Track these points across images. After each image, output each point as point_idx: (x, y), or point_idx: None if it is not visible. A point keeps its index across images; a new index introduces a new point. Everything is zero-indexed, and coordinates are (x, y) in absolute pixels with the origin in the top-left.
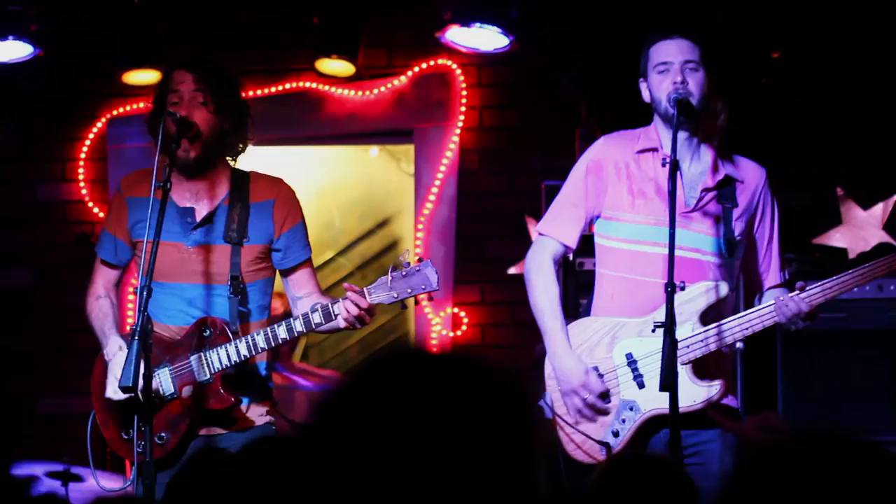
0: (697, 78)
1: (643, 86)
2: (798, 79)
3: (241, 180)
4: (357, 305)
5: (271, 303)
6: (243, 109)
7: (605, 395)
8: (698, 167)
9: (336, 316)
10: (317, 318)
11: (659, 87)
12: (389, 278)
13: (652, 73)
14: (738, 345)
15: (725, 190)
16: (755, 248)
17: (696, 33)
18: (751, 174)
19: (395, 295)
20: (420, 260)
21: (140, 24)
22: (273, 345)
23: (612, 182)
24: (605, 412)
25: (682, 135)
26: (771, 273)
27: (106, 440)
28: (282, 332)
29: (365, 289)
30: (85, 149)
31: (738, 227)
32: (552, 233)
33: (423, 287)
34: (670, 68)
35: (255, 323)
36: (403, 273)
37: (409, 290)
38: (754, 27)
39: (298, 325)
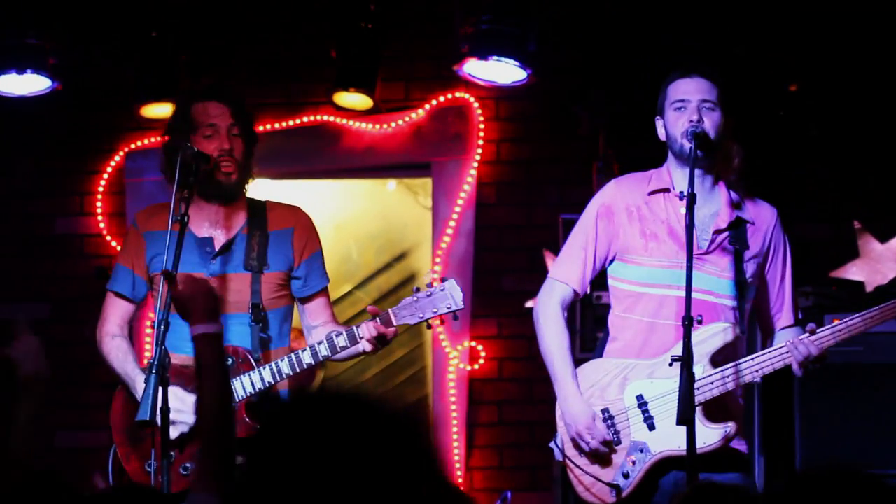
0: (714, 118)
1: (659, 123)
2: (815, 111)
3: (259, 209)
4: (382, 327)
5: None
6: (257, 140)
7: (608, 443)
8: (710, 209)
9: (361, 339)
10: (342, 341)
11: (675, 124)
12: (415, 299)
13: (668, 111)
14: (756, 378)
15: (737, 232)
16: (766, 289)
17: (715, 74)
18: (762, 215)
19: (422, 315)
20: (444, 279)
21: (158, 57)
22: (298, 370)
23: (623, 225)
24: (608, 460)
25: (680, 163)
26: (784, 314)
27: (128, 473)
28: (306, 357)
29: (390, 310)
30: (103, 182)
31: (749, 269)
32: (561, 276)
33: (449, 307)
34: (687, 106)
35: (276, 350)
36: (428, 294)
37: (435, 310)
38: (771, 60)
39: (323, 350)
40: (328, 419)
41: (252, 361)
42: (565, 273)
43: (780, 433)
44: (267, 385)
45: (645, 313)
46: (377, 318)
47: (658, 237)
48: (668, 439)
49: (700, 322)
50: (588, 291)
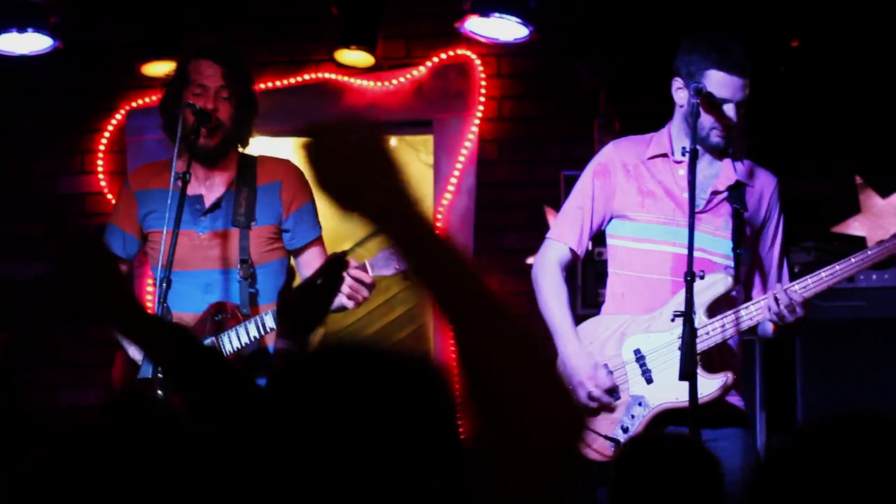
0: (741, 116)
1: (682, 92)
2: (816, 67)
3: (249, 164)
4: (359, 279)
5: None
6: (256, 103)
7: (612, 391)
8: (710, 170)
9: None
10: None
11: (707, 114)
12: (390, 251)
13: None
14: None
15: (735, 194)
16: (758, 254)
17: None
18: (761, 181)
19: (396, 266)
20: None
21: (160, 15)
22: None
23: (620, 184)
24: (611, 408)
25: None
26: (771, 279)
27: None
28: None
29: (367, 261)
30: (104, 141)
31: (745, 231)
32: (557, 236)
33: None
34: (726, 107)
35: (269, 305)
36: None
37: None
38: (773, 15)
39: None
40: (350, 371)
41: (240, 316)
42: (562, 233)
43: (781, 389)
44: (253, 339)
45: (642, 269)
46: (352, 270)
47: (655, 195)
48: (667, 391)
49: (702, 277)
50: (589, 248)
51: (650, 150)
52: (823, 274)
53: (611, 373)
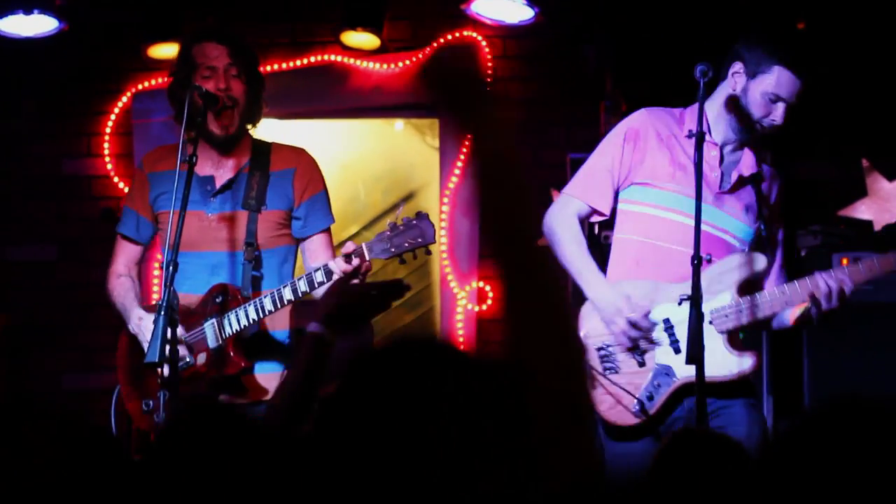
0: (787, 115)
1: (741, 78)
2: (823, 50)
3: (263, 150)
4: (355, 261)
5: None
6: (263, 81)
7: (648, 326)
8: (737, 156)
9: (334, 273)
10: (319, 276)
11: (759, 107)
12: (388, 233)
13: (759, 88)
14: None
15: (757, 181)
16: (767, 246)
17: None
18: (772, 176)
19: (393, 250)
20: (418, 214)
21: None
22: (280, 306)
23: (651, 150)
24: (634, 376)
25: (734, 125)
26: (773, 273)
27: (129, 412)
28: (287, 292)
29: (363, 245)
30: (110, 123)
31: (762, 219)
32: (579, 194)
33: (420, 241)
34: (779, 107)
35: (273, 290)
36: (401, 228)
37: (407, 245)
38: None
39: (302, 285)
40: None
41: (240, 299)
42: (584, 192)
43: (788, 373)
44: (251, 321)
45: (661, 238)
46: (352, 254)
47: (686, 169)
48: (692, 366)
49: (709, 261)
50: (615, 208)
51: (686, 127)
52: (876, 261)
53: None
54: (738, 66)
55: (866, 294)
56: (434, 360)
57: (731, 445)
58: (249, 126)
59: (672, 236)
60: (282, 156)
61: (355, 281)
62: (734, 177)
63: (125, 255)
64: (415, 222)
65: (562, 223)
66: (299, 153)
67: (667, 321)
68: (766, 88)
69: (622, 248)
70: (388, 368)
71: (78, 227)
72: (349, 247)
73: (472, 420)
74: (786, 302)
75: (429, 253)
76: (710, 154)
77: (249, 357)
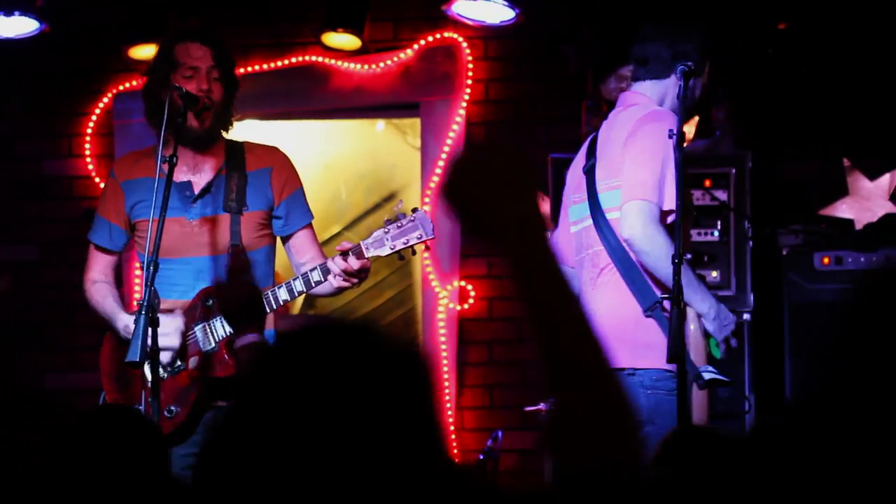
0: None
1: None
2: (805, 50)
3: (236, 150)
4: (354, 260)
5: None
6: (238, 86)
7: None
8: None
9: (331, 273)
10: (315, 275)
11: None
12: (386, 230)
13: (700, 87)
14: (745, 316)
15: None
16: None
17: None
18: None
19: (393, 246)
20: (414, 210)
21: None
22: (275, 307)
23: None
24: None
25: None
26: None
27: None
28: (283, 293)
29: (361, 243)
30: (91, 124)
31: None
32: (670, 205)
33: (420, 237)
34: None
35: (262, 290)
36: (399, 225)
37: (406, 241)
38: None
39: (298, 285)
40: (326, 350)
41: None
42: (671, 201)
43: (769, 370)
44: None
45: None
46: (349, 252)
47: None
48: None
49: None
50: None
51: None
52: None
53: None
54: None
55: (847, 292)
56: (338, 342)
57: (731, 442)
58: (223, 131)
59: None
60: (256, 155)
61: (355, 280)
62: None
63: (99, 262)
64: (412, 218)
65: (667, 236)
66: (273, 151)
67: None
68: (699, 89)
69: None
70: (294, 352)
71: (60, 228)
72: (346, 245)
73: (374, 402)
74: None
75: (428, 248)
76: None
77: (243, 359)
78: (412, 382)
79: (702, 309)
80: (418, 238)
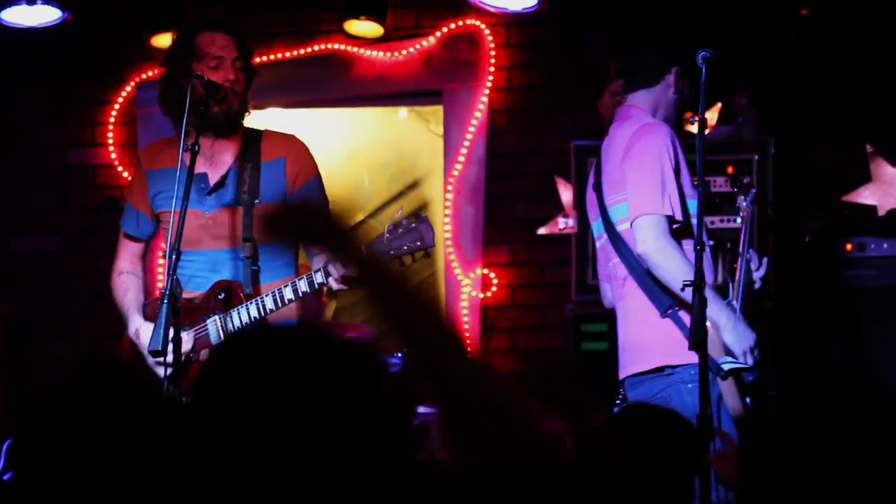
0: None
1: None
2: (827, 36)
3: (252, 140)
4: (349, 277)
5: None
6: (255, 73)
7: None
8: None
9: (330, 277)
10: (319, 277)
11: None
12: (387, 235)
13: (684, 84)
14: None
15: None
16: None
17: None
18: None
19: (392, 252)
20: (419, 217)
21: None
22: (281, 305)
23: (682, 164)
24: None
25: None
26: None
27: None
28: (288, 292)
29: (363, 246)
30: (114, 113)
31: None
32: (677, 214)
33: (419, 244)
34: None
35: (273, 283)
36: (400, 231)
37: (405, 248)
38: None
39: (303, 286)
40: (276, 353)
41: (242, 296)
42: (676, 209)
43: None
44: (254, 319)
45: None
46: None
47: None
48: None
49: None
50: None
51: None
52: None
53: None
54: (674, 75)
55: (872, 279)
56: (294, 344)
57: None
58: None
59: (698, 237)
60: (272, 144)
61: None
62: None
63: (127, 251)
64: (414, 225)
65: (677, 247)
66: (290, 140)
67: None
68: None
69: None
70: (250, 352)
71: (82, 217)
72: None
73: (331, 402)
74: None
75: (427, 256)
76: None
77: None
78: (356, 388)
79: (719, 319)
80: (418, 246)
